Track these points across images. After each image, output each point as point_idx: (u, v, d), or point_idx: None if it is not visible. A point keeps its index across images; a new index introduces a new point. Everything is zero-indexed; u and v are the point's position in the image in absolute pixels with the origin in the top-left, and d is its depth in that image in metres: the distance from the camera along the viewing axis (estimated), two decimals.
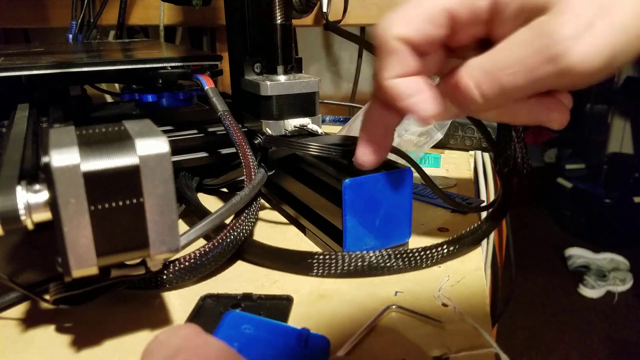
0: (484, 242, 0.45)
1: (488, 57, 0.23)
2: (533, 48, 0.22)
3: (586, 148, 2.54)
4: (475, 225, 0.37)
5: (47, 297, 0.26)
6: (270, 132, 0.44)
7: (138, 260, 0.24)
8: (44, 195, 0.21)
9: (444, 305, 0.30)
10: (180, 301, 0.31)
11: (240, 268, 0.35)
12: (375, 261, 0.32)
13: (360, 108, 0.57)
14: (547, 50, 0.21)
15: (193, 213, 0.40)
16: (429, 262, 0.34)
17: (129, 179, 0.21)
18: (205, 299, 0.31)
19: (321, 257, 0.33)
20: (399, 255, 0.33)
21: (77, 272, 0.21)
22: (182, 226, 0.42)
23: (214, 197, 0.49)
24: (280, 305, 0.30)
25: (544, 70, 0.22)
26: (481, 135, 0.59)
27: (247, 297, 0.31)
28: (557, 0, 0.22)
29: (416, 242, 0.37)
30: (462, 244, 0.35)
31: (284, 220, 0.44)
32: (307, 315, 0.29)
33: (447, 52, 0.27)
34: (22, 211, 0.21)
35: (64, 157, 0.20)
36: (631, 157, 2.39)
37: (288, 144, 0.38)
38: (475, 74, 0.23)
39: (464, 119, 0.60)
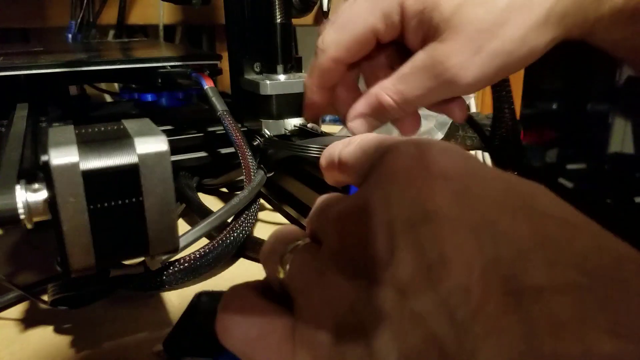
0: None
1: (399, 80, 0.29)
2: (429, 75, 0.27)
3: (587, 148, 2.54)
4: None
5: (45, 298, 0.26)
6: (269, 131, 0.44)
7: (138, 260, 0.24)
8: (43, 194, 0.21)
9: None
10: (180, 301, 0.31)
11: (241, 268, 0.35)
12: None
13: None
14: (441, 77, 0.27)
15: (194, 212, 0.40)
16: None
17: (128, 177, 0.21)
18: (200, 296, 0.30)
19: None
20: None
21: (76, 272, 0.21)
22: (182, 226, 0.42)
23: (214, 197, 0.49)
24: None
25: (440, 90, 0.28)
26: (476, 133, 0.59)
27: None
28: (448, 26, 0.26)
29: None
30: None
31: (285, 221, 0.44)
32: None
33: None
34: (21, 210, 0.21)
35: (63, 155, 0.20)
36: (633, 157, 2.39)
37: (288, 147, 0.38)
38: (390, 92, 0.29)
39: None
